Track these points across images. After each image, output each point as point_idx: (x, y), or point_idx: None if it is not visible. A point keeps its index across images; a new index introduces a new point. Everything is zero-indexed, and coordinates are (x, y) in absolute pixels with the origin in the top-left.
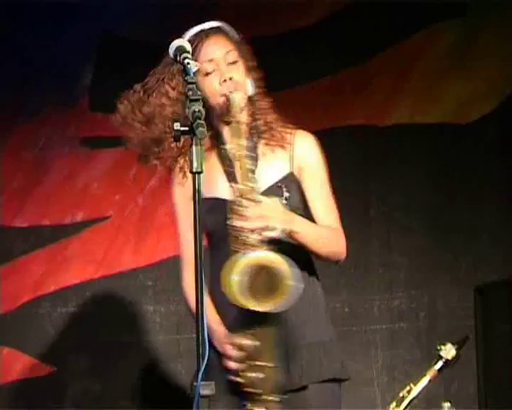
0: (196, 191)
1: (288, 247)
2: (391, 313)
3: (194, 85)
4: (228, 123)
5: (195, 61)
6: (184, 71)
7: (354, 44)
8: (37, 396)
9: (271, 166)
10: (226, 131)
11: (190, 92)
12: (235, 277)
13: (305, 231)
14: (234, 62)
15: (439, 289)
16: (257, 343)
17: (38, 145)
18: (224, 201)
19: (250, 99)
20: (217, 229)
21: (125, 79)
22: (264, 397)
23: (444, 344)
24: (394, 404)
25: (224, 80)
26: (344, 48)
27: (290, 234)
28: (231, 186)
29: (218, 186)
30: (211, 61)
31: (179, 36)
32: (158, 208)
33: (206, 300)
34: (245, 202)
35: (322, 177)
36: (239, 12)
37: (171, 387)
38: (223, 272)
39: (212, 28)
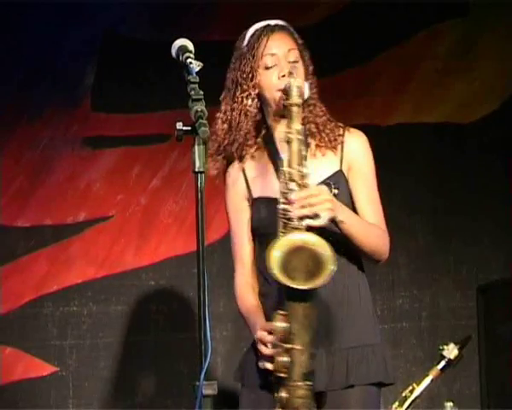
0: (199, 191)
1: (341, 246)
2: (393, 313)
3: (197, 85)
4: (282, 117)
5: (256, 55)
6: (186, 71)
7: (356, 45)
8: (40, 396)
9: (321, 165)
10: (278, 129)
11: (193, 92)
12: (277, 252)
13: (350, 222)
14: (294, 62)
15: (442, 289)
16: (289, 325)
17: (41, 145)
18: (276, 200)
19: (305, 102)
20: (267, 230)
21: (127, 79)
22: (294, 383)
23: (446, 344)
24: (397, 404)
25: (283, 75)
26: (346, 48)
27: (336, 223)
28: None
29: (270, 186)
30: (272, 55)
31: (181, 35)
32: (160, 208)
33: (253, 300)
34: (292, 186)
35: (369, 175)
36: (239, 12)
37: (174, 387)
38: (268, 247)
39: (277, 25)
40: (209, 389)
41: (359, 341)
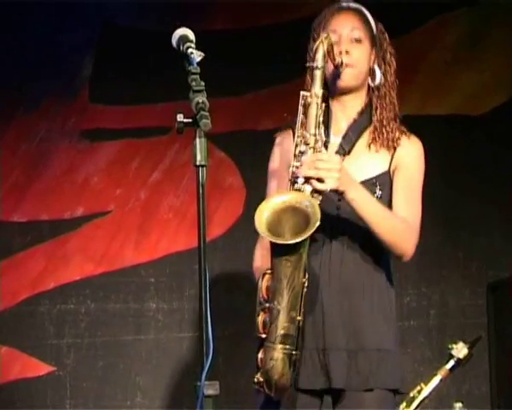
0: (200, 185)
1: (366, 250)
2: (401, 311)
3: (198, 76)
4: (340, 95)
5: (321, 31)
6: (187, 61)
7: None
8: (36, 397)
9: (370, 161)
10: (335, 106)
11: (194, 83)
12: (265, 213)
13: (362, 202)
14: (358, 40)
15: (451, 287)
16: (273, 284)
17: (38, 138)
18: None
19: (374, 89)
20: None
21: (126, 70)
22: (269, 344)
23: (455, 343)
24: (404, 404)
25: (340, 52)
26: None
27: (345, 198)
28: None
29: None
30: (334, 31)
31: (181, 25)
32: (160, 203)
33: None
34: (304, 148)
35: (414, 177)
36: (240, 1)
37: (175, 386)
38: (258, 208)
39: (348, 7)
40: (211, 389)
41: (382, 345)
